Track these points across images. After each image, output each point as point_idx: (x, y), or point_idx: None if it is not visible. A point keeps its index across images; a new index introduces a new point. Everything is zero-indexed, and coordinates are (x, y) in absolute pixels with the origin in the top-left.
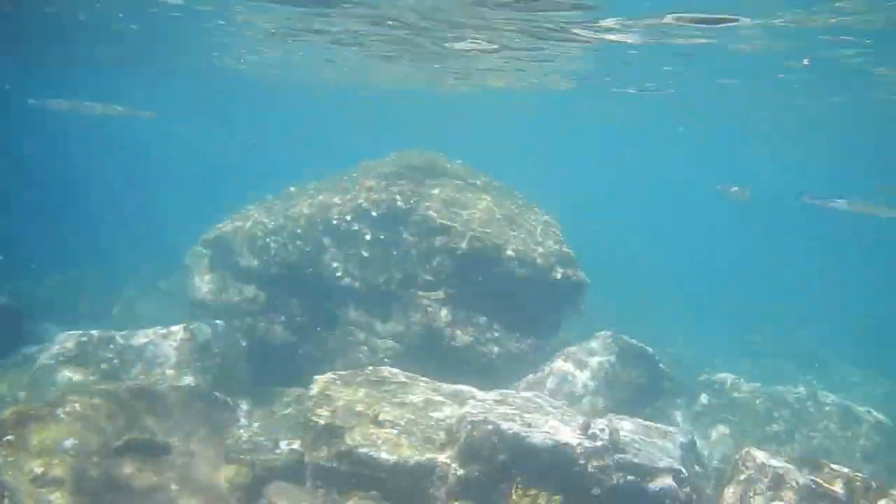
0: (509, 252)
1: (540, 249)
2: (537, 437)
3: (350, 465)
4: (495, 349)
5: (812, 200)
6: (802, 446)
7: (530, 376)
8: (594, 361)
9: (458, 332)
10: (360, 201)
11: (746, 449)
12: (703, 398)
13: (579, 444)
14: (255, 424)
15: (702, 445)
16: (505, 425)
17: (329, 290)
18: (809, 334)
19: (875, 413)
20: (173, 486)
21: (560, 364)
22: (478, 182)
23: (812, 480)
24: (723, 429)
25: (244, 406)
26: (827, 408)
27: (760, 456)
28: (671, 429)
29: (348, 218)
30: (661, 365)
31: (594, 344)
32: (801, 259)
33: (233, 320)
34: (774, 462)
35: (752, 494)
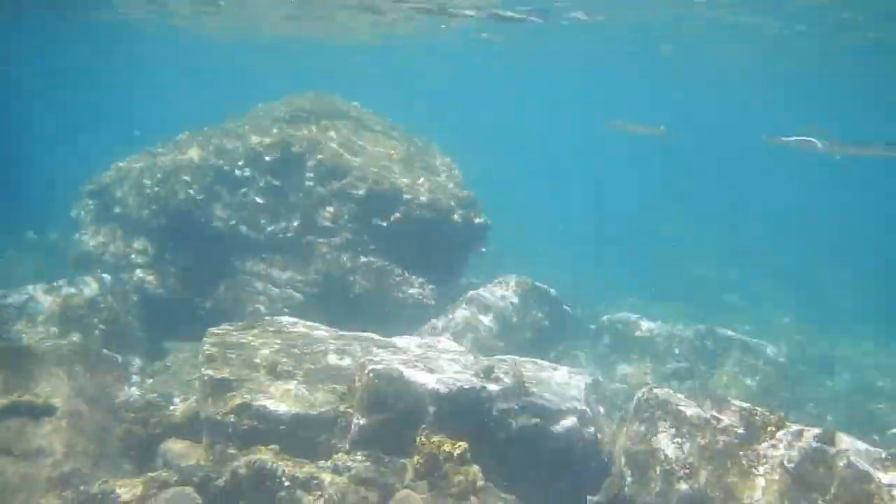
0: (410, 194)
1: (441, 192)
2: (441, 383)
3: (247, 419)
4: (398, 295)
5: (778, 140)
6: (703, 383)
7: (434, 321)
8: (498, 305)
9: (360, 279)
10: (252, 146)
11: (648, 387)
12: (606, 338)
13: (483, 388)
14: (149, 381)
15: (606, 385)
16: (407, 372)
17: (223, 239)
18: (710, 272)
19: (772, 347)
20: (59, 449)
21: (464, 309)
22: (376, 125)
23: (713, 416)
24: (625, 367)
25: (136, 363)
26: (725, 344)
27: (662, 394)
28: (575, 370)
29: (241, 163)
30: (565, 307)
31: (498, 287)
32: (711, 198)
33: (122, 274)
34: (676, 399)
35: (654, 433)
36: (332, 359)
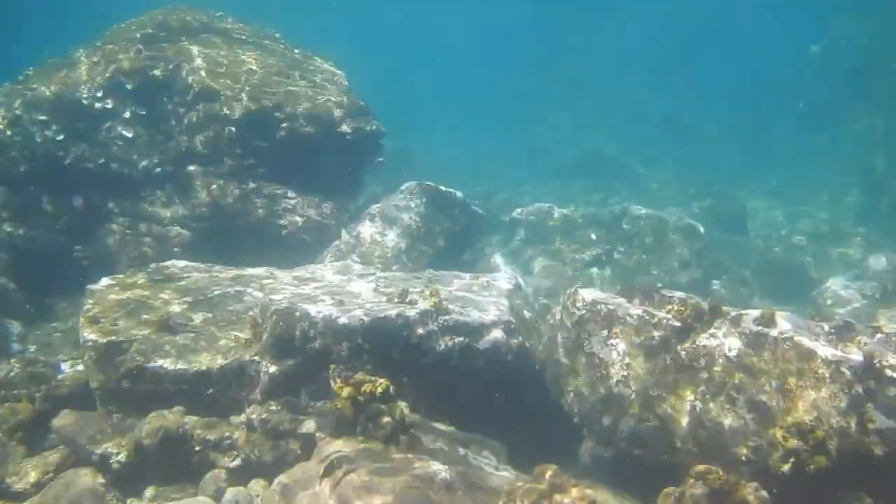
0: (292, 110)
1: (326, 102)
2: (351, 316)
3: (144, 382)
4: (295, 219)
5: None
6: (623, 265)
7: (337, 243)
8: (403, 216)
9: (250, 207)
10: (110, 74)
11: (572, 288)
12: (520, 232)
13: (399, 314)
14: (31, 349)
15: (526, 283)
16: (314, 308)
17: (95, 180)
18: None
19: (688, 220)
20: None
21: (367, 226)
22: (248, 36)
23: (645, 311)
24: (543, 261)
25: (15, 329)
26: (641, 222)
27: (588, 294)
28: (494, 276)
29: (100, 94)
30: (473, 207)
31: (400, 197)
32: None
33: None
34: (603, 297)
35: (585, 337)
36: (232, 303)
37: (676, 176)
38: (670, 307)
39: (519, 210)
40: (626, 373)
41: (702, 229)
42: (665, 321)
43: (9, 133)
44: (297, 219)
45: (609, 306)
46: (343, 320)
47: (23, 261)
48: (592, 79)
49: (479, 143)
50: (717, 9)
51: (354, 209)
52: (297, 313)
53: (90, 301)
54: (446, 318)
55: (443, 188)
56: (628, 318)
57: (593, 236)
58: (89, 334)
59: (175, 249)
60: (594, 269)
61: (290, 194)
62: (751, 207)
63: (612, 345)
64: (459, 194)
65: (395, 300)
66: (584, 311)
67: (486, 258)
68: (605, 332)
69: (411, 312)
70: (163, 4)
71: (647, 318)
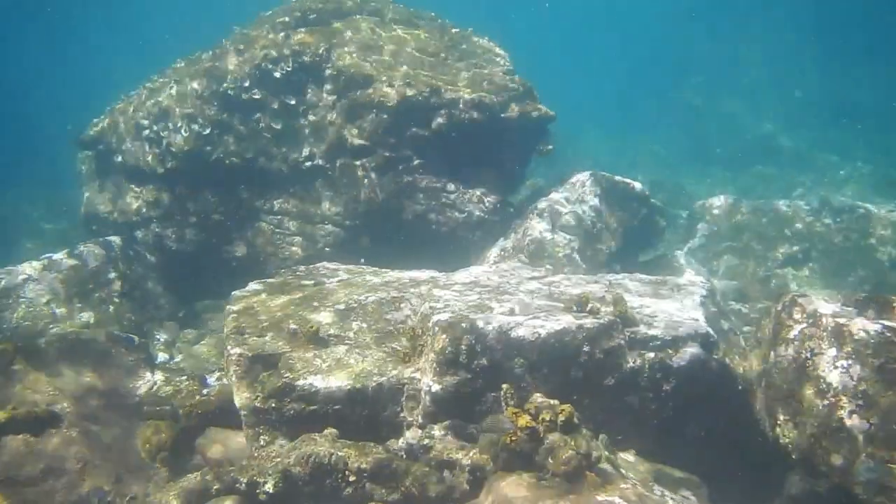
0: (452, 94)
1: (488, 85)
2: (526, 328)
3: (293, 402)
4: (455, 215)
5: None
6: (824, 265)
7: (502, 242)
8: (576, 212)
9: (406, 202)
10: (258, 62)
11: (790, 295)
12: (703, 228)
13: (580, 326)
14: (178, 358)
15: (717, 288)
16: (482, 320)
17: (244, 176)
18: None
19: (882, 206)
20: (72, 466)
21: (535, 222)
22: (400, 16)
23: (885, 326)
24: (730, 259)
25: (162, 337)
26: (844, 215)
27: (809, 304)
28: (684, 280)
29: (247, 85)
30: (652, 200)
31: (572, 190)
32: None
33: (136, 231)
34: (829, 307)
35: (810, 356)
36: (389, 311)
37: (870, 164)
38: None
39: (701, 202)
40: (861, 401)
41: None
42: None
43: (156, 128)
44: (458, 215)
45: (838, 319)
46: (517, 333)
47: (173, 262)
48: (756, 57)
49: (632, 131)
50: None
51: (518, 203)
52: (464, 325)
53: (235, 309)
54: (633, 329)
55: (618, 178)
56: (863, 335)
57: (787, 232)
58: (234, 347)
59: (327, 249)
60: (789, 270)
61: (450, 188)
62: None
63: (844, 367)
64: (638, 185)
65: (574, 308)
66: (804, 324)
67: (668, 258)
68: (833, 352)
69: (593, 323)
70: None
71: (888, 334)
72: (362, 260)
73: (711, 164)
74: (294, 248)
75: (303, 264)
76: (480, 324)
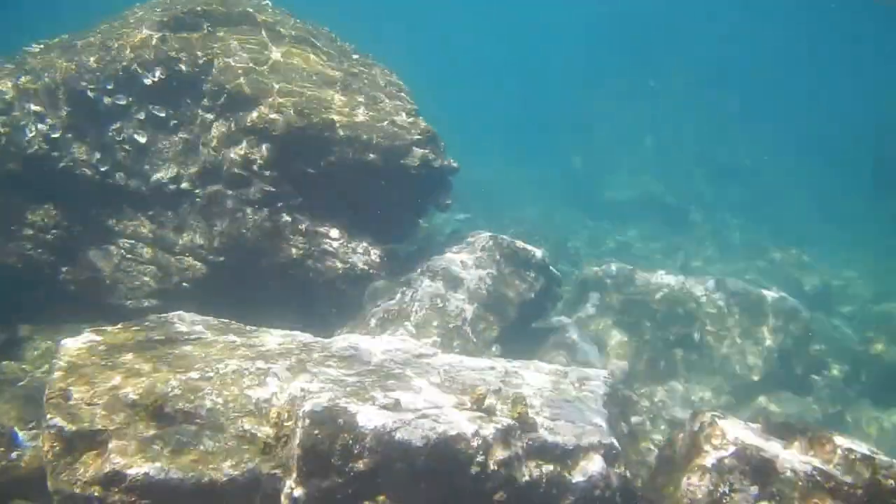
0: (347, 130)
1: (389, 126)
2: (413, 431)
3: (121, 492)
4: (335, 265)
5: None
6: (712, 349)
7: (386, 303)
8: (471, 277)
9: (282, 243)
10: (125, 63)
11: (708, 415)
12: (593, 297)
13: (475, 432)
14: None
15: (599, 360)
16: (362, 415)
17: (96, 191)
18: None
19: (790, 300)
20: None
21: (427, 284)
22: (296, 32)
23: (815, 468)
24: (619, 335)
25: None
26: (736, 298)
27: (731, 430)
28: (589, 372)
29: (110, 87)
30: (552, 268)
31: (468, 252)
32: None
33: None
34: (753, 439)
35: (727, 492)
36: (249, 384)
37: (740, 229)
38: (849, 457)
39: (594, 269)
40: None
41: (805, 313)
42: (846, 487)
43: None
44: (339, 265)
45: (763, 453)
46: (402, 436)
47: None
48: (642, 114)
49: (514, 166)
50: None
51: (408, 256)
52: (340, 420)
53: (63, 364)
54: (533, 437)
55: (520, 245)
56: (791, 474)
57: (679, 311)
58: (54, 416)
59: (184, 285)
60: (678, 351)
61: (334, 233)
62: (824, 272)
63: None
64: (539, 253)
65: (470, 406)
66: (723, 453)
67: (559, 330)
68: (754, 491)
69: (490, 430)
70: None
71: (818, 478)
72: (223, 305)
73: (595, 218)
74: (146, 279)
75: (155, 298)
76: (360, 419)
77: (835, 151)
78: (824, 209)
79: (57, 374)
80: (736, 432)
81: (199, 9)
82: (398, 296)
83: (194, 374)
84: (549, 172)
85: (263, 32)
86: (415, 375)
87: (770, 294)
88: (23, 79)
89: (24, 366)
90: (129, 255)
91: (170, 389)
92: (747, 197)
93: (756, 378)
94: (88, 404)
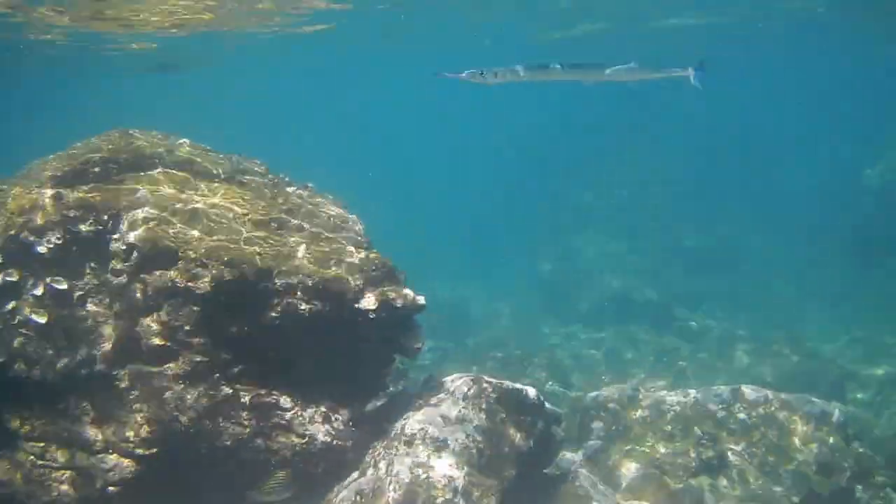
0: (287, 278)
1: (336, 265)
2: None
3: None
4: (291, 440)
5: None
6: (744, 472)
7: (356, 483)
8: (457, 435)
9: (224, 423)
10: (13, 231)
11: None
12: (597, 426)
13: None
14: None
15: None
16: None
17: None
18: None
19: (820, 405)
20: None
21: (402, 453)
22: (218, 168)
23: None
24: (633, 466)
25: None
26: (760, 409)
27: None
28: None
29: (0, 261)
30: (549, 407)
31: (450, 402)
32: None
33: None
34: None
35: None
36: None
37: (729, 321)
38: None
39: (593, 395)
40: None
41: (839, 416)
42: None
43: None
44: (295, 440)
45: None
46: None
47: None
48: (609, 203)
49: (479, 279)
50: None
51: (376, 414)
52: None
53: None
54: None
55: (508, 386)
56: None
57: (698, 431)
58: None
59: (111, 489)
60: (704, 479)
61: (285, 402)
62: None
63: None
64: (532, 392)
65: None
66: None
67: (565, 476)
68: None
69: None
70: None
71: None
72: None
73: (572, 322)
74: (64, 488)
75: None
76: None
77: (812, 229)
78: (811, 287)
79: None
80: None
81: (98, 157)
82: (370, 471)
83: None
84: (516, 281)
85: (180, 174)
86: None
87: (790, 398)
88: None
89: None
90: (40, 462)
91: None
92: (726, 287)
93: (796, 500)
94: None
